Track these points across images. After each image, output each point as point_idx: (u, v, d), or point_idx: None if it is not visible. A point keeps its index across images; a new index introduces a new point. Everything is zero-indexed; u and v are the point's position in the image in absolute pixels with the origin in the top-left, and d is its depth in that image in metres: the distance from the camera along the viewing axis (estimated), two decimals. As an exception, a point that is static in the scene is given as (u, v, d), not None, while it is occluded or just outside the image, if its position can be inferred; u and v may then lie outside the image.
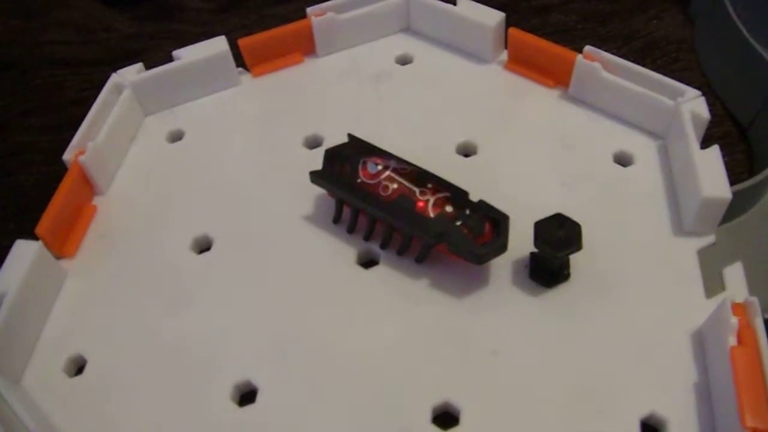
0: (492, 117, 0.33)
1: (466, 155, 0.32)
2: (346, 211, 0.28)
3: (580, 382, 0.25)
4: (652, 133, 0.32)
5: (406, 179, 0.26)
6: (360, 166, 0.27)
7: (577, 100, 0.33)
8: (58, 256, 0.29)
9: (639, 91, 0.31)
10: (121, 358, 0.26)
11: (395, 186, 0.26)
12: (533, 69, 0.34)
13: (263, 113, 0.34)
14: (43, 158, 0.36)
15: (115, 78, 0.33)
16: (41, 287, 0.28)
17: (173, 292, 0.28)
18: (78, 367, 0.27)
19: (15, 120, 0.39)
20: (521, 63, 0.34)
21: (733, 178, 0.29)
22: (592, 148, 0.31)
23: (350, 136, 0.28)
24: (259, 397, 0.25)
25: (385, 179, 0.26)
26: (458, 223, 0.26)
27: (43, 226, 0.28)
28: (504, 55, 0.35)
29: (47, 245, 0.28)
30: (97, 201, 0.32)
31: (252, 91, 0.36)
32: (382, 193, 0.26)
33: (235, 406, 0.25)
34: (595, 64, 0.31)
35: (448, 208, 0.26)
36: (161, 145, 0.34)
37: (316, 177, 0.28)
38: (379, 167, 0.27)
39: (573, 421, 0.24)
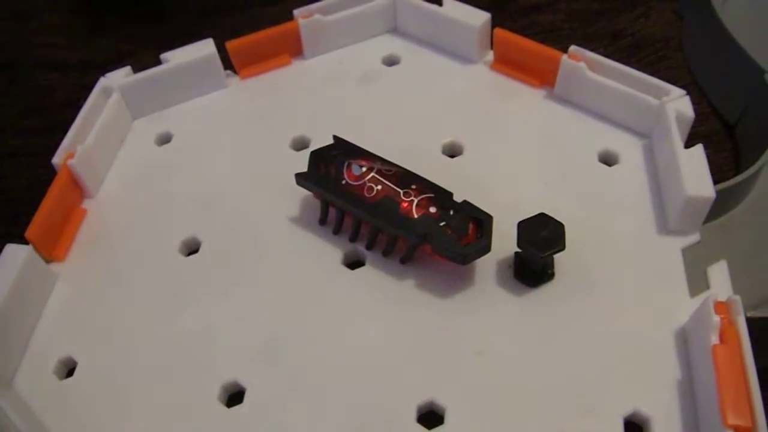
0: (478, 117, 0.33)
1: (452, 156, 0.32)
2: (332, 213, 0.28)
3: (564, 381, 0.25)
4: (637, 133, 0.32)
5: (390, 181, 0.27)
6: (345, 168, 0.27)
7: (563, 100, 0.33)
8: (48, 260, 0.29)
9: (624, 91, 0.31)
10: (110, 360, 0.27)
11: (380, 187, 0.26)
12: (519, 69, 0.34)
13: (251, 115, 0.35)
14: (35, 161, 0.36)
15: (104, 82, 0.34)
16: (31, 291, 0.28)
17: (162, 295, 0.28)
18: (68, 369, 0.27)
19: (6, 123, 0.39)
20: (507, 63, 0.34)
21: (720, 177, 0.29)
22: (578, 147, 0.32)
23: (335, 137, 0.29)
24: (247, 398, 0.25)
25: (369, 181, 0.27)
26: (442, 224, 0.26)
27: (32, 230, 0.28)
28: (490, 56, 0.35)
29: (37, 249, 0.28)
30: (86, 204, 0.32)
31: (240, 94, 0.36)
32: (367, 195, 0.26)
33: (223, 407, 0.25)
34: (580, 64, 0.32)
35: (432, 209, 0.26)
36: (150, 147, 0.34)
37: (301, 179, 0.28)
38: (364, 169, 0.27)
39: (557, 421, 0.24)
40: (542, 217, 0.26)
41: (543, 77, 0.33)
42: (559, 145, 0.32)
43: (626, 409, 0.24)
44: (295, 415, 0.25)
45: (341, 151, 0.28)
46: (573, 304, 0.27)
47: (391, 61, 0.36)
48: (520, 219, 0.26)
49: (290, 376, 0.25)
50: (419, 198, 0.26)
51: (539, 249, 0.26)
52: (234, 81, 0.36)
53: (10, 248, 0.28)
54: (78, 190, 0.32)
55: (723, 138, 0.36)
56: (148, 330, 0.27)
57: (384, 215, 0.26)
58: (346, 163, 0.27)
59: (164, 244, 0.30)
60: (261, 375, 0.26)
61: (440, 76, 0.35)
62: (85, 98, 0.33)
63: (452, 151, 0.32)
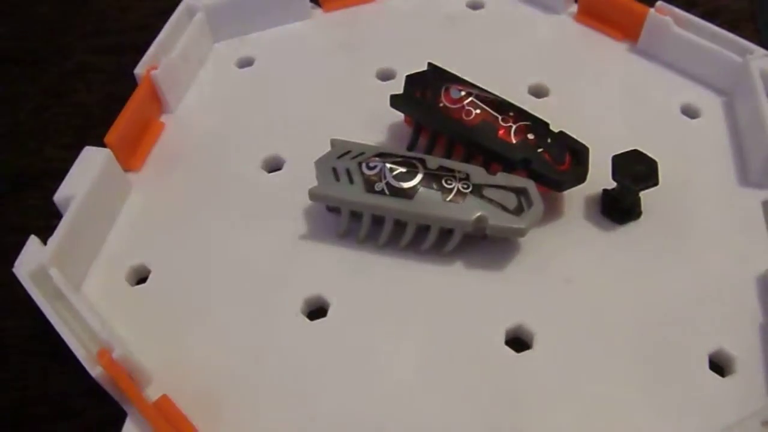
0: (561, 64, 0.33)
1: (538, 97, 0.32)
2: (422, 140, 0.28)
3: (648, 314, 0.25)
4: (717, 89, 0.32)
5: (488, 106, 0.27)
6: (442, 92, 0.27)
7: (645, 53, 0.33)
8: (125, 169, 0.29)
9: (708, 47, 0.31)
10: (185, 270, 0.26)
11: (478, 111, 0.26)
12: (603, 21, 0.34)
13: (334, 45, 0.34)
14: (105, 78, 0.36)
15: (189, 1, 0.33)
16: (107, 194, 0.27)
17: (241, 208, 0.28)
18: (141, 277, 0.27)
19: (78, 41, 0.38)
20: (591, 15, 0.34)
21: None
22: (659, 99, 0.32)
23: (430, 64, 0.29)
24: (331, 312, 0.25)
25: (468, 104, 0.27)
26: (540, 150, 0.26)
27: (112, 136, 0.28)
28: (574, 8, 0.35)
29: (115, 155, 0.28)
30: (164, 119, 0.32)
31: (323, 25, 0.36)
32: (465, 118, 0.26)
33: (306, 320, 0.25)
34: (667, 18, 0.32)
35: (530, 136, 0.26)
36: (231, 69, 0.34)
37: (396, 101, 0.28)
38: (462, 93, 0.27)
39: (643, 351, 0.24)
40: (636, 152, 0.26)
41: (626, 31, 0.34)
42: (641, 95, 0.32)
43: (711, 347, 0.24)
44: (379, 332, 0.24)
45: (437, 77, 0.28)
46: (658, 242, 0.27)
47: (475, 5, 0.36)
48: (605, 160, 0.26)
49: (376, 294, 0.25)
50: (517, 124, 0.26)
51: (634, 182, 0.26)
52: (317, 13, 0.36)
53: (90, 151, 0.27)
54: (157, 103, 0.31)
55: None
56: (227, 242, 0.27)
57: (482, 139, 0.26)
58: (444, 87, 0.27)
59: (244, 160, 0.30)
60: (345, 290, 0.25)
61: (524, 23, 0.35)
62: (157, 23, 0.33)
63: (538, 92, 0.32)
